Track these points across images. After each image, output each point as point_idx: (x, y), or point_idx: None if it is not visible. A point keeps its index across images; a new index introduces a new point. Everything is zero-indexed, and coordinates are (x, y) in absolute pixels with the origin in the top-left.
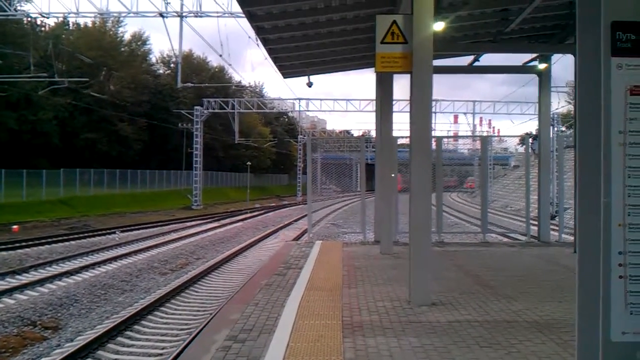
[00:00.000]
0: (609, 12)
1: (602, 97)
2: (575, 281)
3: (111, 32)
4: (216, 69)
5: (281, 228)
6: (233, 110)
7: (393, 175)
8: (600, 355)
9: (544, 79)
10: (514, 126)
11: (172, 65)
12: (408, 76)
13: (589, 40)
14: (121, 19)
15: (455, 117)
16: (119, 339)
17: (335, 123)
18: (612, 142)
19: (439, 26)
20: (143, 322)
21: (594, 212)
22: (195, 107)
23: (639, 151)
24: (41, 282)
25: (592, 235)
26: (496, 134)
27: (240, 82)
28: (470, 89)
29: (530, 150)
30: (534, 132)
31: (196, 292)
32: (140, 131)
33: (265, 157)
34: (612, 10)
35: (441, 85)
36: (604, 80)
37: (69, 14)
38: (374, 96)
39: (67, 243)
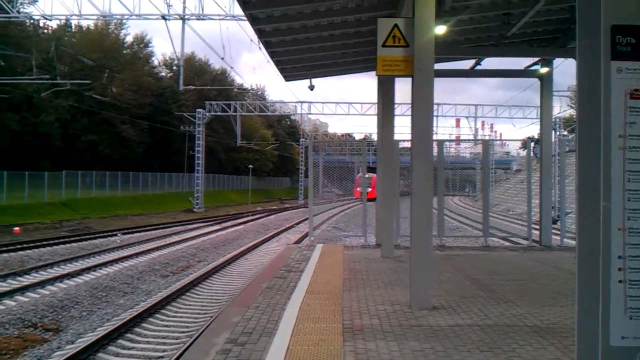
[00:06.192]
0: (609, 15)
1: (602, 100)
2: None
3: (113, 35)
4: (218, 72)
5: (282, 231)
6: (235, 113)
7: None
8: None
9: (546, 83)
10: (516, 130)
11: (174, 67)
12: (410, 80)
13: (589, 43)
14: (123, 21)
15: (457, 121)
16: (120, 341)
17: (336, 126)
18: (612, 145)
19: (440, 30)
20: (144, 324)
21: (593, 216)
22: (197, 110)
23: (638, 155)
24: (42, 283)
25: (591, 239)
26: (498, 138)
27: (242, 84)
28: (467, 93)
29: (532, 155)
30: (535, 136)
31: (197, 294)
32: (142, 133)
33: (267, 160)
34: (612, 14)
35: (439, 90)
36: (604, 83)
37: (72, 16)
38: (372, 99)
39: (68, 245)
